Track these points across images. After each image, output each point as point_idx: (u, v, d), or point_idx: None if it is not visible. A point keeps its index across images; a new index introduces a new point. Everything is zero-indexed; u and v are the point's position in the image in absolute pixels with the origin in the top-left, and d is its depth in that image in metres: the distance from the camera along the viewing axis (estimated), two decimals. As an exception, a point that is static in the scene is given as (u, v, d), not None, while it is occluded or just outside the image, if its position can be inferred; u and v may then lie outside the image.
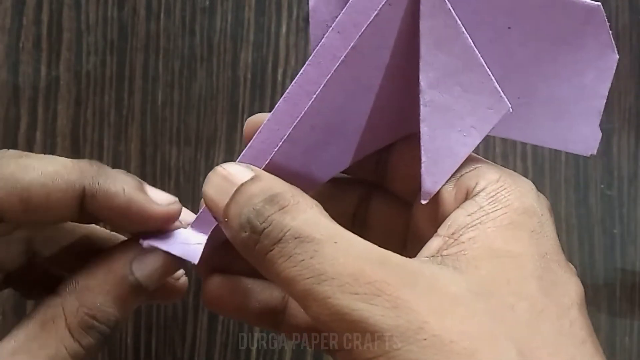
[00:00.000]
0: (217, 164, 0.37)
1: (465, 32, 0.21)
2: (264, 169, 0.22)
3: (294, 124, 0.22)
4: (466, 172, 0.22)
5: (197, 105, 0.38)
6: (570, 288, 0.20)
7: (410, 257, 0.21)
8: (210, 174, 0.22)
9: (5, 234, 0.24)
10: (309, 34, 0.39)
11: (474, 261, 0.20)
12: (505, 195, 0.21)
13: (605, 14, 0.24)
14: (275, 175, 0.22)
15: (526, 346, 0.18)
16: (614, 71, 0.25)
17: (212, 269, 0.25)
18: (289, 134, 0.22)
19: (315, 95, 0.22)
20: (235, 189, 0.21)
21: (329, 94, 0.22)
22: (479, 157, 0.24)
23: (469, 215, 0.21)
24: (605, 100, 0.25)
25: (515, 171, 0.24)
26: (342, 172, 0.27)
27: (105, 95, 0.38)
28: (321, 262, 0.19)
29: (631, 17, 0.39)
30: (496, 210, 0.21)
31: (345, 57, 0.22)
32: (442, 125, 0.22)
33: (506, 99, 0.22)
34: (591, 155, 0.26)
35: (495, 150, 0.39)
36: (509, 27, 0.23)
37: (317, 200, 0.23)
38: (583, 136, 0.25)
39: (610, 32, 0.24)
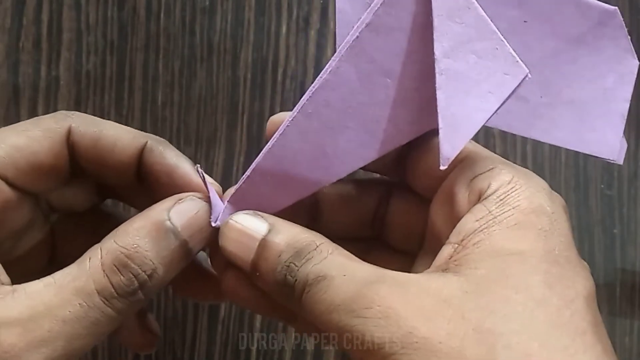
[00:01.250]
0: (217, 164, 0.38)
1: (476, 1, 0.22)
2: (278, 141, 0.23)
3: (308, 96, 0.23)
4: (480, 174, 0.23)
5: (197, 105, 0.38)
6: (577, 281, 0.20)
7: (428, 256, 0.22)
8: (223, 228, 0.24)
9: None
10: (309, 34, 0.39)
11: (474, 263, 0.20)
12: (514, 197, 0.22)
13: (621, 18, 0.25)
14: (289, 152, 0.23)
15: (514, 339, 0.19)
16: (635, 76, 0.25)
17: (229, 262, 0.25)
18: (303, 105, 0.23)
19: (329, 69, 0.23)
20: (257, 243, 0.23)
21: (342, 70, 0.23)
22: (497, 156, 0.24)
23: (477, 220, 0.21)
24: (628, 104, 0.25)
25: None
26: (365, 170, 0.27)
27: (105, 95, 0.38)
28: (331, 295, 0.21)
29: (631, 17, 0.39)
30: (504, 212, 0.21)
31: (359, 34, 0.22)
32: (458, 92, 0.22)
33: (523, 64, 0.21)
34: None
35: (496, 150, 0.39)
36: (525, 21, 0.24)
37: (337, 202, 0.26)
38: (606, 140, 0.25)
39: (629, 37, 0.25)
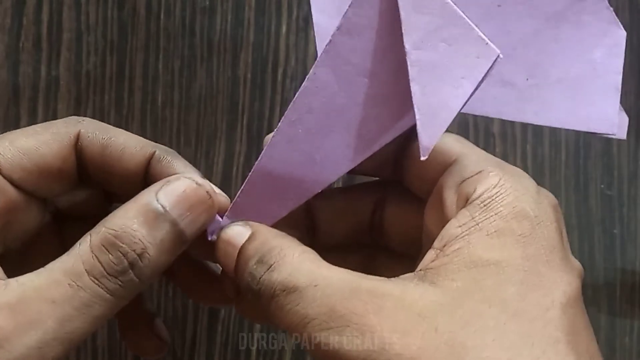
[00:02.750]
0: (217, 164, 0.38)
1: None
2: (267, 152, 0.24)
3: (290, 104, 0.23)
4: (469, 178, 0.23)
5: (197, 105, 0.38)
6: (555, 288, 0.21)
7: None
8: (217, 241, 0.24)
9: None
10: (309, 34, 0.39)
11: (452, 274, 0.21)
12: (498, 202, 0.21)
13: None
14: (279, 162, 0.24)
15: (485, 353, 0.19)
16: (624, 47, 0.24)
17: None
18: (286, 114, 0.23)
19: (308, 76, 0.23)
20: (237, 252, 0.23)
21: (320, 75, 0.23)
22: (490, 157, 0.24)
23: (459, 226, 0.21)
24: (620, 77, 0.25)
25: None
26: (362, 175, 0.28)
27: (105, 95, 0.38)
28: (304, 307, 0.21)
29: (631, 16, 0.39)
30: (486, 219, 0.21)
31: (332, 37, 0.23)
32: (432, 81, 0.22)
33: (493, 45, 0.21)
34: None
35: (496, 150, 0.39)
36: (498, 5, 0.24)
37: (331, 213, 0.26)
38: (604, 115, 0.25)
39: (610, 8, 0.24)
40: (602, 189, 0.39)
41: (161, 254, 0.23)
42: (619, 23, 0.25)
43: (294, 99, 0.23)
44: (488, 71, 0.22)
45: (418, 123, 0.22)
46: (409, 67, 0.22)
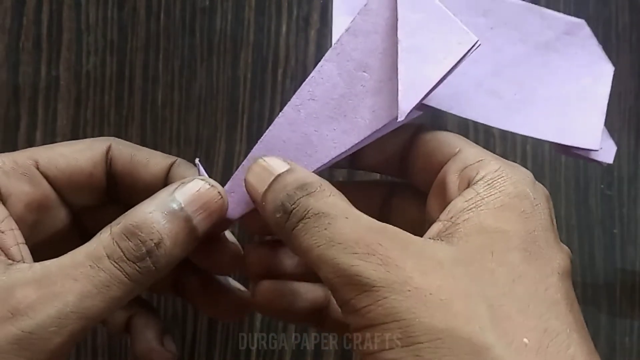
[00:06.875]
0: (217, 164, 0.38)
1: None
2: (269, 132, 0.26)
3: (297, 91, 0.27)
4: (470, 165, 0.24)
5: (197, 105, 0.38)
6: (554, 260, 0.23)
7: None
8: (252, 164, 0.26)
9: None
10: (309, 34, 0.39)
11: (465, 236, 0.22)
12: (501, 182, 0.23)
13: (590, 29, 0.27)
14: (279, 142, 0.26)
15: (497, 302, 0.21)
16: (611, 78, 0.27)
17: (261, 275, 0.27)
18: (291, 100, 0.26)
19: (315, 68, 0.26)
20: (272, 178, 0.24)
21: (326, 68, 0.26)
22: (488, 151, 0.25)
23: (466, 201, 0.23)
24: (606, 101, 0.27)
25: None
26: (370, 171, 0.30)
27: (105, 95, 0.38)
28: (332, 232, 0.22)
29: (631, 17, 0.39)
30: (491, 195, 0.23)
31: (340, 38, 0.26)
32: (417, 61, 0.25)
33: (472, 34, 0.24)
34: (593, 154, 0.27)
35: (496, 150, 0.39)
36: (491, 28, 0.27)
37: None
38: (587, 130, 0.27)
39: (599, 45, 0.27)
40: (602, 189, 0.39)
41: (175, 246, 0.24)
42: (608, 59, 0.27)
43: (301, 87, 0.26)
44: (467, 53, 0.24)
45: (400, 91, 0.25)
46: (399, 52, 0.25)
